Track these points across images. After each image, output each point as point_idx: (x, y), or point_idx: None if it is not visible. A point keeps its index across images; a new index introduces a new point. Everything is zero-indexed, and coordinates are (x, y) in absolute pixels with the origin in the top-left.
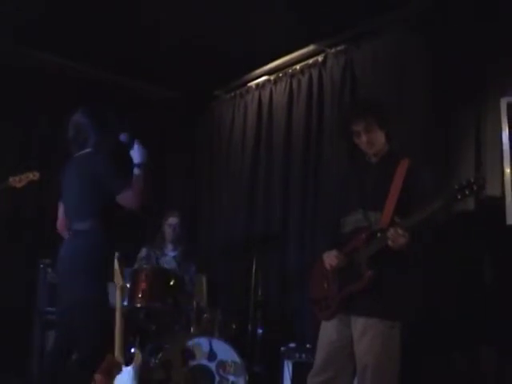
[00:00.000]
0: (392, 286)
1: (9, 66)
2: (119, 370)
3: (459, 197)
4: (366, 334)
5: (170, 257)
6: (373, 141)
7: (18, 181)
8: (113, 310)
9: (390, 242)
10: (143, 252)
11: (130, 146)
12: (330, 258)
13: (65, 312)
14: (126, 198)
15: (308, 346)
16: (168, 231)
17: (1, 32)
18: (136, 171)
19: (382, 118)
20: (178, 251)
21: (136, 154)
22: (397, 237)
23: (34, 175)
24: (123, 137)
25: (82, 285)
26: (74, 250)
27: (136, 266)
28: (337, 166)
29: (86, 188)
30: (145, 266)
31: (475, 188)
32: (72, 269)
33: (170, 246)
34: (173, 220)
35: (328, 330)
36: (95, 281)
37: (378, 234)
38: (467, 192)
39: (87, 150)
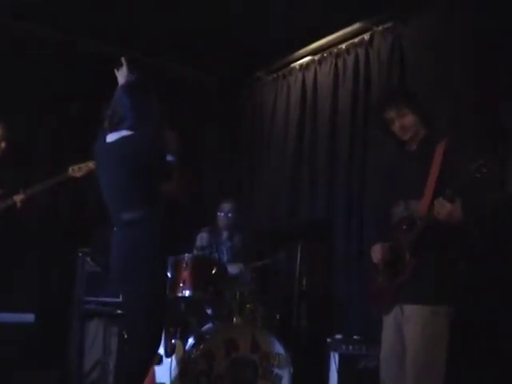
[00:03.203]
0: (434, 271)
1: (39, 51)
2: None
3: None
4: (409, 321)
5: (227, 247)
6: (405, 125)
7: (77, 170)
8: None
9: (438, 216)
10: (204, 239)
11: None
12: (375, 253)
13: (126, 307)
14: (171, 187)
15: (355, 337)
16: (221, 218)
17: (30, 15)
18: (171, 159)
19: (413, 101)
20: (234, 240)
21: (171, 140)
22: (440, 207)
23: (93, 164)
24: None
25: (145, 275)
26: (131, 241)
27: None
28: (383, 152)
29: (132, 175)
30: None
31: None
32: (131, 260)
33: (225, 234)
34: (226, 206)
35: (389, 323)
36: (157, 270)
37: (418, 222)
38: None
39: (127, 132)
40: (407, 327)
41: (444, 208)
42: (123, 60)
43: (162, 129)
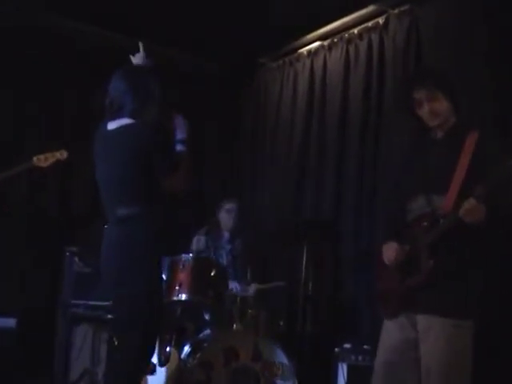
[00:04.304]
0: (457, 278)
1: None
2: None
3: None
4: (428, 334)
5: (226, 250)
6: (436, 111)
7: (43, 160)
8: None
9: (464, 218)
10: (202, 242)
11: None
12: (389, 252)
13: (117, 310)
14: (173, 180)
15: (365, 346)
16: (225, 218)
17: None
18: (180, 148)
19: (448, 85)
20: (235, 243)
21: (179, 128)
22: (471, 210)
23: (61, 154)
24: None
25: (139, 277)
26: (125, 239)
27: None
28: (399, 144)
29: (131, 167)
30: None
31: None
32: (125, 259)
33: (226, 236)
34: (229, 206)
35: (390, 331)
36: (152, 271)
37: (441, 220)
38: None
39: (127, 121)
40: (426, 342)
41: (475, 211)
42: (140, 45)
43: (168, 115)
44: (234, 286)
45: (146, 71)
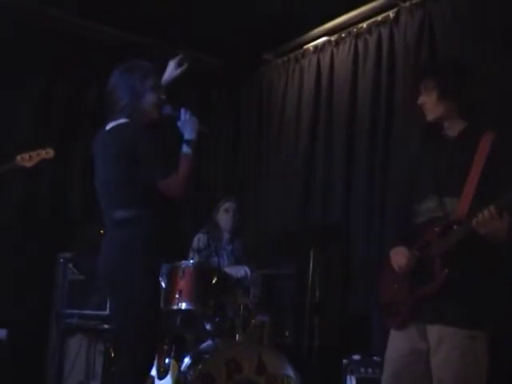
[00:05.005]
0: (472, 287)
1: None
2: None
3: None
4: (441, 346)
5: (227, 251)
6: (425, 105)
7: (27, 159)
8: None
9: (478, 228)
10: (202, 240)
11: (176, 117)
12: (398, 257)
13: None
14: (171, 184)
15: (375, 358)
16: (224, 218)
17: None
18: (185, 149)
19: (451, 84)
20: (235, 244)
21: (187, 126)
22: (487, 220)
23: (46, 153)
24: (166, 108)
25: (137, 285)
26: (122, 244)
27: (195, 258)
28: (409, 143)
29: (125, 168)
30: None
31: None
32: (122, 267)
33: (226, 237)
34: (229, 205)
35: (398, 342)
36: (150, 276)
37: (455, 227)
38: None
39: (122, 121)
40: (438, 353)
41: (492, 223)
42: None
43: (175, 112)
44: (244, 270)
45: (148, 68)
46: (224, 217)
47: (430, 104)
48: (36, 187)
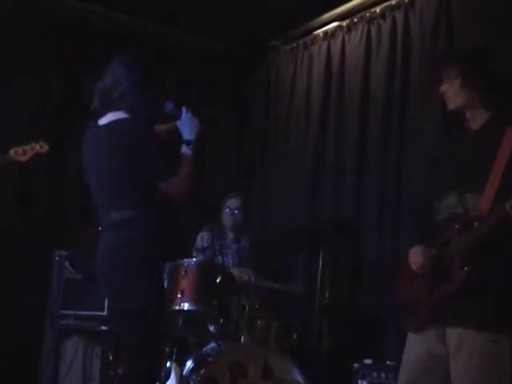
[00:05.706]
0: (493, 287)
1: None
2: None
3: None
4: (461, 350)
5: (232, 250)
6: (446, 94)
7: (21, 154)
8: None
9: None
10: (206, 239)
11: (176, 116)
12: (416, 256)
13: (116, 322)
14: (172, 186)
15: (388, 362)
16: (227, 216)
17: None
18: (185, 150)
19: (474, 73)
20: (241, 243)
21: (187, 126)
22: None
23: (40, 147)
24: (168, 105)
25: (137, 285)
26: (120, 245)
27: (199, 257)
28: (426, 132)
29: (124, 167)
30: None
31: None
32: (121, 268)
33: (230, 236)
34: (233, 202)
35: (415, 346)
36: (150, 281)
37: (476, 224)
38: None
39: (120, 115)
40: (457, 358)
41: None
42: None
43: (175, 111)
44: (247, 274)
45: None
46: (228, 214)
47: (452, 92)
48: (32, 184)
